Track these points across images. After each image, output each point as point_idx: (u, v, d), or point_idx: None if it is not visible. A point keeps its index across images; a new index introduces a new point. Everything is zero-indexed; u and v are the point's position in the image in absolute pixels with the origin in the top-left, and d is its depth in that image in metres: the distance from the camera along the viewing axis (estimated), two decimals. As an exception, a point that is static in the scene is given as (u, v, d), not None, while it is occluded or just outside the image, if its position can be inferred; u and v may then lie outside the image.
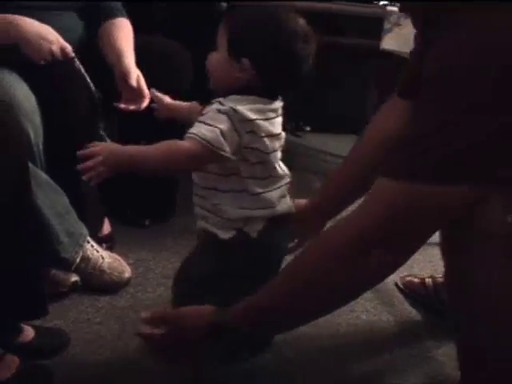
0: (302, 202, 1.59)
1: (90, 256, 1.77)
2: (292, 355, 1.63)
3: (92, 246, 1.79)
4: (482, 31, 1.04)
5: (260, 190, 1.34)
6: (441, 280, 1.82)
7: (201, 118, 1.25)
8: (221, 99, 1.26)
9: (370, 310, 1.85)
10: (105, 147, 1.22)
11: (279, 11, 1.31)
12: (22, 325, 1.49)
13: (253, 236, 1.34)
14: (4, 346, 1.38)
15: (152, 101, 1.53)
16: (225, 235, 1.34)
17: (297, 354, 1.64)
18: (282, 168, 1.41)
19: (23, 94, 1.63)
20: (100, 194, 1.93)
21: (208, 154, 1.23)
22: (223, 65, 1.29)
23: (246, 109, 1.25)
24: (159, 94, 1.50)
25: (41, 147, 1.66)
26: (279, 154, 1.40)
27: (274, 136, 1.33)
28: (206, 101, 1.31)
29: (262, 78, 1.28)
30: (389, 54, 2.48)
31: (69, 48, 1.69)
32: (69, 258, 1.72)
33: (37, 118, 1.63)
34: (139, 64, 1.80)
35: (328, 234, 1.27)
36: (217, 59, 1.30)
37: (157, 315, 1.33)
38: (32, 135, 1.60)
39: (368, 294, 1.91)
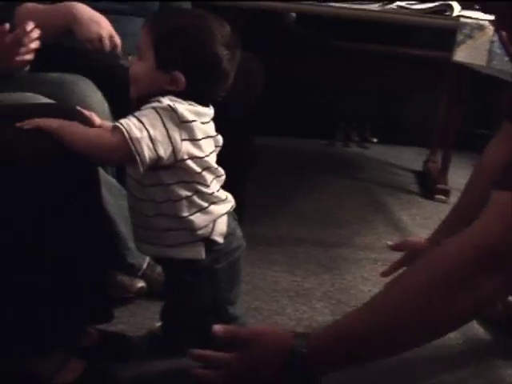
0: (420, 239, 1.59)
1: (156, 262, 1.78)
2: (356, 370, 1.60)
3: (158, 252, 1.80)
4: None
5: (210, 191, 1.32)
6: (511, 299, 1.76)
7: (136, 113, 1.22)
8: (159, 97, 1.24)
9: (437, 327, 1.80)
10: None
11: (206, 18, 1.29)
12: (88, 328, 1.50)
13: (220, 241, 1.34)
14: (70, 349, 1.40)
15: None
16: (196, 252, 1.32)
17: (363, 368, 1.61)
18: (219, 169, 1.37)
19: (97, 102, 1.65)
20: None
21: (126, 151, 1.20)
22: (151, 75, 1.26)
23: (185, 109, 1.24)
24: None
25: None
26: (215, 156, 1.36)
27: (211, 137, 1.32)
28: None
29: (193, 88, 1.26)
30: (461, 66, 2.44)
31: (117, 37, 1.70)
32: (135, 263, 1.73)
33: None
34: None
35: (441, 254, 1.10)
36: (143, 69, 1.26)
37: (230, 330, 1.22)
38: None
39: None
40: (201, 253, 1.32)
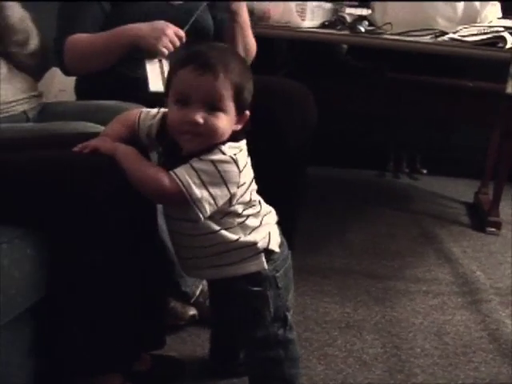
0: None
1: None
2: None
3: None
4: None
5: (258, 208, 1.35)
6: None
7: (196, 165, 1.22)
8: (221, 147, 1.24)
9: (490, 362, 1.78)
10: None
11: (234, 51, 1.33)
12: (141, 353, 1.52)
13: (277, 250, 1.37)
14: (123, 374, 1.42)
15: None
16: (259, 264, 1.34)
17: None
18: None
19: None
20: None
21: (181, 200, 1.23)
22: (232, 124, 1.26)
23: (241, 156, 1.25)
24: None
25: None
26: None
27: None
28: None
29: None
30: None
31: (181, 31, 1.74)
32: (189, 291, 1.75)
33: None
34: (261, 104, 1.83)
35: None
36: (228, 122, 1.24)
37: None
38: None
39: (487, 345, 1.84)
40: (263, 263, 1.35)
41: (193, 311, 1.78)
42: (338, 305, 2.03)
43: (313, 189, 2.71)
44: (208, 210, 1.24)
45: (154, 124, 1.36)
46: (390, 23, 2.36)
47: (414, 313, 2.01)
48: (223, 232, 1.30)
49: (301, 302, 2.01)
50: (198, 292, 1.77)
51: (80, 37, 1.81)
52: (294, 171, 1.94)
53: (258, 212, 1.35)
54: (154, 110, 1.38)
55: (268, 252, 1.35)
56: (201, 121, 1.21)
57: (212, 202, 1.23)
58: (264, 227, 1.35)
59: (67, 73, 1.90)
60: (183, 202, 1.23)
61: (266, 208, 1.38)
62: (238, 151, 1.26)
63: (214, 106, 1.21)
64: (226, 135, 1.25)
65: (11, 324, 1.26)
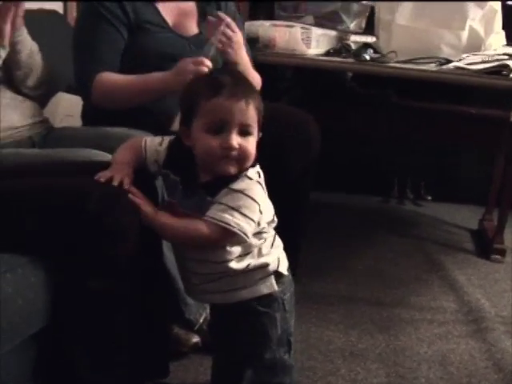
0: None
1: (212, 317, 1.79)
2: None
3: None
4: None
5: (273, 232, 1.38)
6: None
7: (233, 203, 1.25)
8: (247, 173, 1.27)
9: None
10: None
11: None
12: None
13: (286, 273, 1.38)
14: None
15: None
16: (271, 285, 1.35)
17: None
18: None
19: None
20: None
21: (236, 239, 1.27)
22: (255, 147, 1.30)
23: (262, 180, 1.30)
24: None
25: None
26: None
27: None
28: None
29: None
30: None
31: (204, 59, 1.68)
32: (193, 319, 1.75)
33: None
34: (265, 131, 1.84)
35: None
36: (254, 145, 1.29)
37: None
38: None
39: (492, 375, 1.84)
40: (274, 285, 1.36)
41: (196, 339, 1.77)
42: (341, 333, 2.02)
43: (316, 214, 2.72)
44: (250, 231, 1.28)
45: (160, 151, 1.37)
46: (394, 51, 2.37)
47: (419, 341, 2.00)
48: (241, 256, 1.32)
49: (304, 329, 2.00)
50: (201, 319, 1.76)
51: (111, 77, 1.81)
52: (297, 198, 1.94)
53: (271, 233, 1.37)
54: (158, 138, 1.40)
55: (277, 274, 1.37)
56: (237, 146, 1.25)
57: (253, 225, 1.28)
58: (275, 250, 1.37)
59: (93, 106, 1.90)
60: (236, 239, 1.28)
61: (273, 230, 1.40)
62: (258, 175, 1.30)
63: (245, 131, 1.26)
64: (254, 158, 1.29)
65: (14, 349, 1.26)
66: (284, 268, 1.38)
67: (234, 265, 1.31)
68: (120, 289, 1.29)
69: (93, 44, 1.85)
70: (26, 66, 1.79)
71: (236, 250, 1.30)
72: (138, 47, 1.87)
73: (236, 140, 1.24)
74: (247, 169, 1.28)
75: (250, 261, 1.32)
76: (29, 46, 1.79)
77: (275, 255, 1.37)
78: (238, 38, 1.83)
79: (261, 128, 1.30)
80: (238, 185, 1.26)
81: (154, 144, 1.39)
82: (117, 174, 1.31)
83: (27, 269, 1.25)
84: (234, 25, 1.82)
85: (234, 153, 1.25)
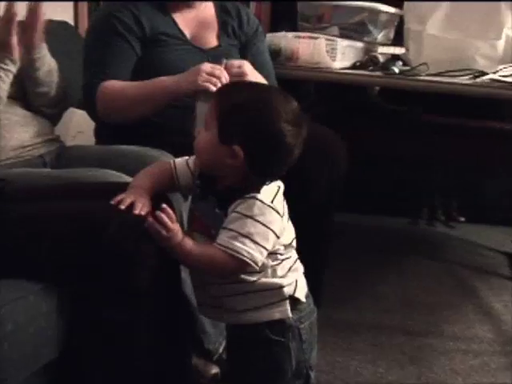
0: None
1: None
2: None
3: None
4: None
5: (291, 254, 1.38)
6: None
7: (243, 230, 1.25)
8: (257, 196, 1.26)
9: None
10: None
11: (272, 93, 1.33)
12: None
13: (303, 300, 1.37)
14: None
15: None
16: (284, 311, 1.33)
17: None
18: None
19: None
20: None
21: (246, 268, 1.27)
22: (212, 147, 1.29)
23: (277, 202, 1.29)
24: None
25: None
26: None
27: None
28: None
29: (253, 163, 1.28)
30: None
31: (218, 66, 1.71)
32: (212, 348, 1.74)
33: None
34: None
35: None
36: (206, 140, 1.31)
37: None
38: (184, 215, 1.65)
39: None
40: (288, 311, 1.34)
41: (215, 369, 1.77)
42: (369, 364, 2.01)
43: (341, 237, 2.70)
44: (261, 260, 1.28)
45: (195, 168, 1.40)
46: (425, 63, 2.36)
47: (453, 374, 1.98)
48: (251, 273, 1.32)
49: (330, 360, 1.99)
50: (221, 349, 1.75)
51: (115, 84, 1.82)
52: (320, 220, 1.95)
53: (289, 257, 1.36)
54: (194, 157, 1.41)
55: (293, 300, 1.35)
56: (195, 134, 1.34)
57: (264, 252, 1.27)
58: (292, 273, 1.36)
59: (99, 120, 1.93)
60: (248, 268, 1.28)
61: (295, 254, 1.40)
62: (274, 195, 1.29)
63: (206, 126, 1.32)
64: (207, 155, 1.31)
65: (26, 380, 1.26)
66: (302, 294, 1.37)
67: (239, 276, 1.31)
68: (137, 319, 1.29)
69: (102, 58, 1.87)
70: (44, 83, 1.81)
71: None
72: (153, 61, 1.89)
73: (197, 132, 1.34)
74: (256, 189, 1.27)
75: (262, 278, 1.31)
76: (48, 64, 1.80)
77: (292, 279, 1.35)
78: (245, 70, 1.80)
79: (235, 135, 1.28)
80: (249, 209, 1.26)
81: (187, 164, 1.42)
82: (136, 200, 1.32)
83: (39, 296, 1.26)
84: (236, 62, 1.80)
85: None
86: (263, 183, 1.29)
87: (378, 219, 3.39)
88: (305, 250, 1.41)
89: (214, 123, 1.29)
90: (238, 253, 1.24)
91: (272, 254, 1.31)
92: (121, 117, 1.83)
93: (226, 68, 1.72)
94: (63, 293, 1.28)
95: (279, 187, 1.32)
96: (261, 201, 1.26)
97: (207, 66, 1.70)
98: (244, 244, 1.25)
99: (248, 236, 1.25)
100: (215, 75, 1.68)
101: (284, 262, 1.34)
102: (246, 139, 1.27)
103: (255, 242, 1.25)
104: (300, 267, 1.40)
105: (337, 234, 2.15)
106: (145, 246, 1.27)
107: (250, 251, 1.25)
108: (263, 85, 1.54)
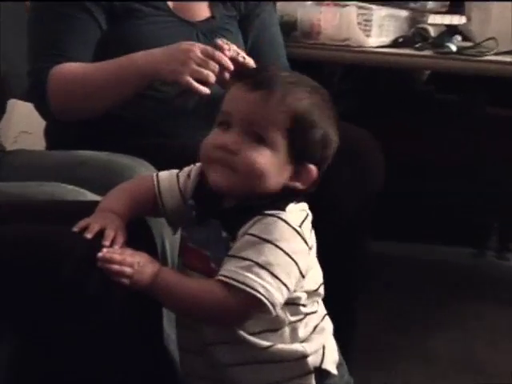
0: None
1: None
2: None
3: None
4: None
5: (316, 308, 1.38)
6: None
7: (260, 258, 1.23)
8: (282, 215, 1.26)
9: None
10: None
11: (324, 93, 1.35)
12: None
13: (334, 372, 1.37)
14: None
15: None
16: None
17: None
18: None
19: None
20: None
21: (259, 311, 1.25)
22: (279, 169, 1.29)
23: (306, 227, 1.29)
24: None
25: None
26: None
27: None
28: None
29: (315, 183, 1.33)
30: None
31: (211, 50, 1.72)
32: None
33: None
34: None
35: None
36: (272, 161, 1.28)
37: None
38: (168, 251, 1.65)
39: None
40: None
41: None
42: None
43: (379, 273, 2.72)
44: (280, 303, 1.25)
45: (188, 186, 1.40)
46: (494, 38, 2.37)
47: None
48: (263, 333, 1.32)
49: None
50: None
51: (73, 68, 1.84)
52: (349, 248, 1.96)
53: (315, 312, 1.36)
54: (186, 170, 1.42)
55: (321, 372, 1.35)
56: (234, 146, 1.26)
57: (285, 292, 1.25)
58: (318, 335, 1.36)
59: (51, 116, 1.93)
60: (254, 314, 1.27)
61: (322, 307, 1.40)
62: (303, 219, 1.30)
63: (256, 135, 1.27)
64: (270, 184, 1.28)
65: None
66: (332, 364, 1.37)
67: (249, 337, 1.30)
68: (106, 371, 1.31)
69: (54, 34, 1.89)
70: None
71: (255, 320, 1.29)
72: (124, 37, 1.91)
73: (235, 140, 1.27)
74: (282, 205, 1.28)
75: (278, 344, 1.31)
76: None
77: (318, 343, 1.35)
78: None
79: (315, 154, 1.30)
80: (269, 231, 1.24)
81: (176, 180, 1.41)
82: (107, 227, 1.30)
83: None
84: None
85: (229, 157, 1.26)
86: (291, 200, 1.29)
87: (428, 249, 3.39)
88: (330, 293, 1.41)
89: (280, 137, 1.27)
90: (252, 287, 1.22)
91: (291, 305, 1.30)
92: (80, 111, 1.85)
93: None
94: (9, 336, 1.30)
95: (308, 214, 1.32)
96: (286, 221, 1.25)
97: (197, 51, 1.70)
98: (259, 276, 1.22)
99: (265, 267, 1.23)
100: (209, 66, 1.70)
101: (307, 319, 1.34)
102: (322, 155, 1.31)
103: (275, 276, 1.23)
104: (328, 326, 1.40)
105: (373, 270, 2.16)
106: (114, 288, 1.26)
107: (268, 287, 1.22)
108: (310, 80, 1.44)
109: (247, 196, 1.28)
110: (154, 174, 1.43)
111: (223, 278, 1.23)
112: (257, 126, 1.26)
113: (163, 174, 1.43)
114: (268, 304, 1.23)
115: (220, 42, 1.74)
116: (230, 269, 1.24)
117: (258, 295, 1.22)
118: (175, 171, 1.42)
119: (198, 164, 1.39)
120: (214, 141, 1.29)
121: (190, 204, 1.36)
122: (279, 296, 1.23)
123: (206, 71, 1.68)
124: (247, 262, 1.23)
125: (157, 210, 1.41)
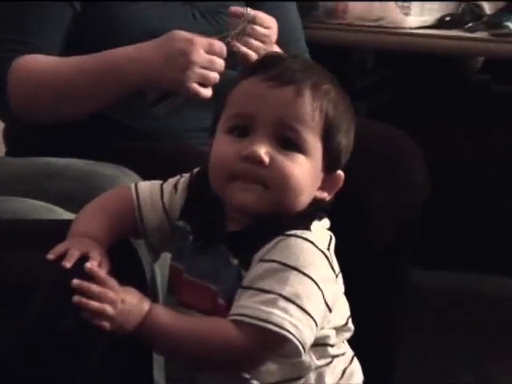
0: None
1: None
2: None
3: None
4: None
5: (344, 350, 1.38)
6: None
7: (285, 290, 1.21)
8: (307, 235, 1.25)
9: None
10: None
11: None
12: None
13: None
14: None
15: None
16: None
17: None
18: None
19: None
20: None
21: (284, 354, 1.24)
22: (314, 180, 1.31)
23: (332, 250, 1.29)
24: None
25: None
26: None
27: None
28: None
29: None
30: None
31: (215, 42, 1.73)
32: None
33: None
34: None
35: None
36: (308, 171, 1.28)
37: None
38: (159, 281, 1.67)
39: None
40: None
41: None
42: None
43: (426, 307, 2.72)
44: (311, 342, 1.24)
45: (174, 201, 1.38)
46: None
47: None
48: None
49: None
50: None
51: (39, 61, 1.85)
52: (384, 280, 1.98)
53: (343, 353, 1.36)
54: (172, 181, 1.41)
55: None
56: (266, 159, 1.24)
57: (314, 328, 1.24)
58: (347, 382, 1.36)
59: (10, 115, 1.93)
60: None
61: (349, 348, 1.40)
62: (329, 239, 1.30)
63: (287, 139, 1.26)
64: (304, 199, 1.28)
65: None
66: None
67: None
68: None
69: (17, 18, 1.90)
70: None
71: (274, 368, 1.29)
72: (103, 20, 1.91)
73: (265, 148, 1.25)
74: (306, 223, 1.27)
75: None
76: None
77: None
78: (271, 35, 1.85)
79: (341, 157, 1.32)
80: (293, 255, 1.23)
81: (160, 194, 1.40)
82: (90, 252, 1.29)
83: None
84: (265, 18, 1.84)
85: (259, 171, 1.25)
86: (317, 215, 1.30)
87: (480, 281, 3.40)
88: (361, 333, 1.41)
89: (316, 141, 1.28)
90: (280, 326, 1.20)
91: (319, 346, 1.30)
92: (48, 113, 1.86)
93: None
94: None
95: (331, 236, 1.31)
96: (313, 243, 1.24)
97: (199, 51, 1.71)
98: (287, 312, 1.21)
99: (292, 299, 1.21)
100: (215, 66, 1.71)
101: (335, 362, 1.34)
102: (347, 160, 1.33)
103: (303, 310, 1.22)
104: (357, 369, 1.40)
105: (413, 303, 2.16)
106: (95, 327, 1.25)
107: (298, 324, 1.21)
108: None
109: (272, 214, 1.27)
110: (132, 185, 1.41)
111: (241, 318, 1.21)
112: (289, 129, 1.26)
113: (143, 184, 1.42)
114: (299, 345, 1.21)
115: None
116: (249, 305, 1.22)
117: (288, 335, 1.20)
118: (158, 182, 1.40)
119: (185, 175, 1.39)
120: (237, 151, 1.25)
121: (179, 226, 1.35)
122: (309, 334, 1.23)
123: (212, 74, 1.70)
124: (270, 296, 1.22)
125: (136, 229, 1.39)
